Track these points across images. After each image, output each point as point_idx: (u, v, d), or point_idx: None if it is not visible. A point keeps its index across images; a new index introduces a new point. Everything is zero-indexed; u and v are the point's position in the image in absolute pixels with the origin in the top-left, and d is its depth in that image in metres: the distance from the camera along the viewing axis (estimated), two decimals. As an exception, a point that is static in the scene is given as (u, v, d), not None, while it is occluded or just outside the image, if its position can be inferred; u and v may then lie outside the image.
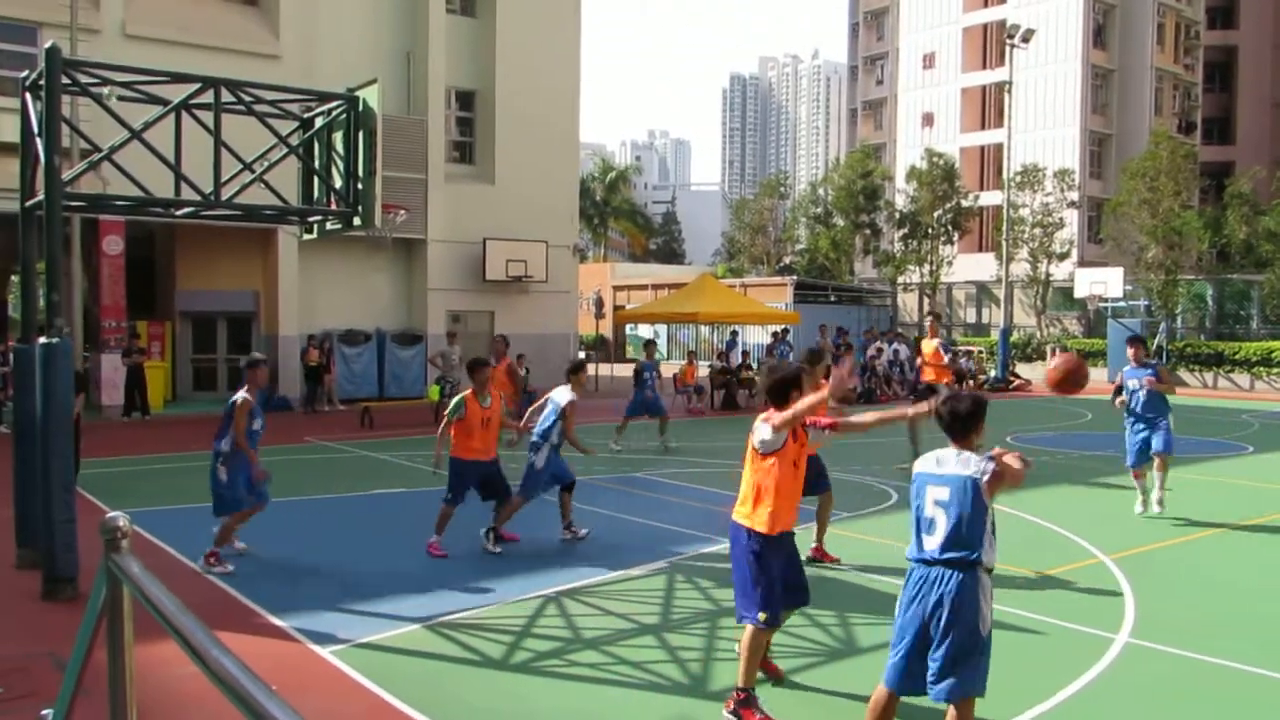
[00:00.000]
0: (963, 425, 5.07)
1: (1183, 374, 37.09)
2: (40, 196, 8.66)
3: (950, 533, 4.74)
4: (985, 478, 4.78)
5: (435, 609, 7.87)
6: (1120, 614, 7.75)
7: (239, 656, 2.39)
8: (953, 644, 4.68)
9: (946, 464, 4.91)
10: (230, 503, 9.18)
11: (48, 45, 8.64)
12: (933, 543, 4.78)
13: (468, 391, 9.98)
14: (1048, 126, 52.03)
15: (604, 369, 35.48)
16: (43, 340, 8.43)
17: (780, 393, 6.06)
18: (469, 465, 9.83)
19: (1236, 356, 36.35)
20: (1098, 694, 6.15)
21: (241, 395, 9.39)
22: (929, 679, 4.75)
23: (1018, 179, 43.54)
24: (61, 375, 8.37)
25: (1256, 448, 18.98)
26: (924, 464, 4.99)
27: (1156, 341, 37.33)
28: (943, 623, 4.69)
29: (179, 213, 11.02)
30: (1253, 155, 55.40)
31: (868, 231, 51.88)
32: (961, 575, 4.71)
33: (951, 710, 4.76)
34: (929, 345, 16.10)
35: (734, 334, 32.27)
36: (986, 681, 4.82)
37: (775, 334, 30.87)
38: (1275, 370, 35.41)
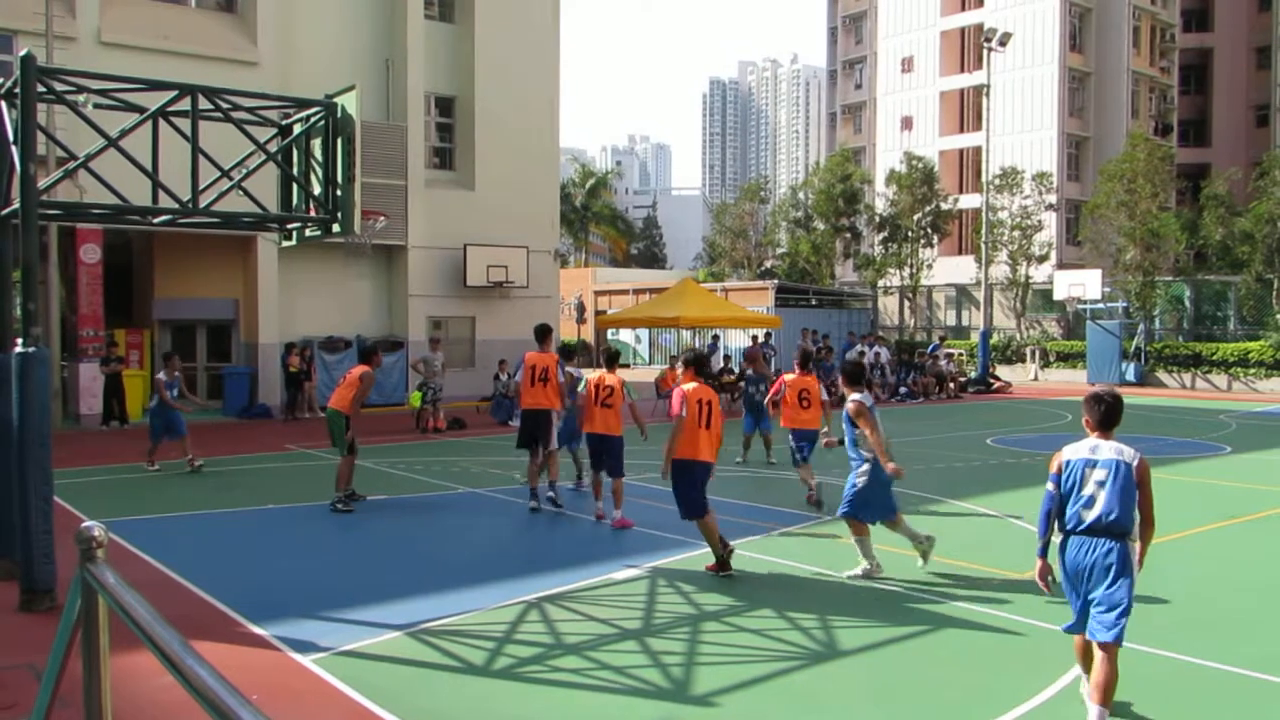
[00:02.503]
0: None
1: (1161, 375, 37.36)
2: (16, 205, 8.60)
3: (1110, 507, 5.55)
4: (1135, 462, 5.64)
5: (417, 616, 7.85)
6: (1100, 614, 7.79)
7: (215, 666, 2.38)
8: (1121, 598, 5.51)
9: (1101, 451, 5.70)
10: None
11: (22, 53, 8.58)
12: (1091, 514, 5.60)
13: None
14: (1025, 129, 52.30)
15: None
16: (19, 349, 8.37)
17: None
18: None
19: (1214, 357, 36.64)
20: (1079, 694, 6.18)
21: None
22: (1101, 626, 5.53)
23: (996, 182, 43.77)
24: (38, 384, 8.31)
25: (1234, 448, 19.11)
26: (1078, 451, 5.77)
27: (1135, 343, 37.60)
28: (1110, 580, 5.52)
29: (156, 221, 10.99)
30: (1228, 157, 55.81)
31: (848, 235, 52.00)
32: (1123, 545, 5.57)
33: (1104, 654, 5.52)
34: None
35: (715, 338, 32.33)
36: None
37: (755, 338, 30.93)
38: (1252, 371, 35.71)
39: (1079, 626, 5.77)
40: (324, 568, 9.78)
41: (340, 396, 12.78)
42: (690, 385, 9.29)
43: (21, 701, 5.94)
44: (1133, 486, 5.58)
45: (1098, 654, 5.58)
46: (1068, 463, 5.77)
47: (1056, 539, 5.85)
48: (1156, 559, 9.26)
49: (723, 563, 9.13)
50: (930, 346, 35.75)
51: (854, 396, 9.08)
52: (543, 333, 12.69)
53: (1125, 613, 5.50)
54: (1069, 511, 5.70)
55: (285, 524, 11.99)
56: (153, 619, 2.71)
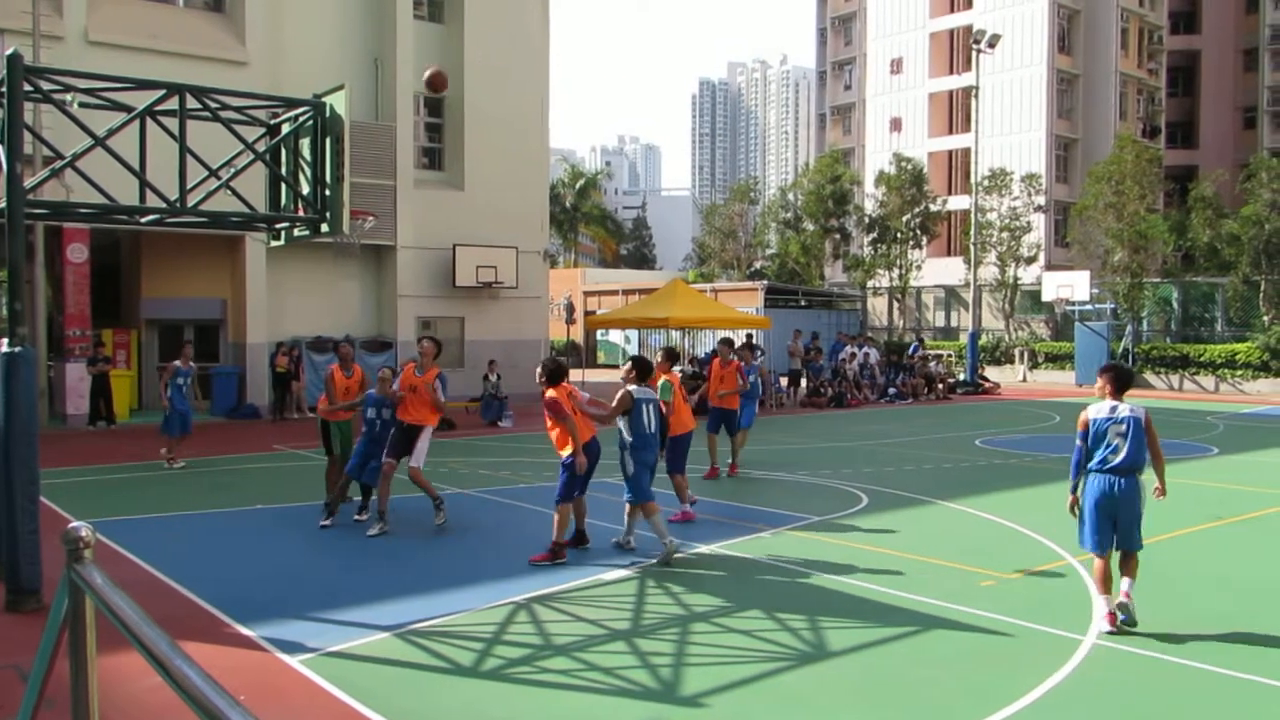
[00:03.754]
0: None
1: (1148, 376, 37.50)
2: (2, 204, 8.56)
3: (1130, 452, 7.48)
4: (1144, 416, 7.55)
5: (405, 617, 7.83)
6: (1088, 615, 7.81)
7: (203, 667, 2.38)
8: (1135, 519, 7.57)
9: (1119, 410, 7.56)
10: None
11: (9, 52, 8.53)
12: (1117, 458, 7.48)
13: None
14: (1014, 131, 52.47)
15: (575, 375, 35.42)
16: (5, 349, 8.32)
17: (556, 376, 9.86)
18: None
19: (1201, 359, 36.79)
20: (1066, 695, 6.20)
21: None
22: (1121, 540, 7.58)
23: (985, 183, 43.86)
24: (25, 384, 8.26)
25: (1221, 449, 19.19)
26: (1100, 411, 7.64)
27: (1123, 344, 37.73)
28: (1129, 507, 7.51)
29: (144, 220, 10.94)
30: (1215, 159, 56.09)
31: (837, 236, 52.06)
32: (1135, 479, 7.53)
33: (1132, 557, 7.62)
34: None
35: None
36: None
37: (747, 337, 30.92)
38: (1239, 372, 35.86)
39: (1103, 548, 7.59)
40: (311, 568, 9.75)
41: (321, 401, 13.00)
42: (550, 393, 9.84)
43: (7, 703, 5.91)
44: (1144, 434, 7.49)
45: (1125, 557, 7.62)
46: (1093, 420, 7.64)
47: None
48: (1145, 560, 9.27)
49: (555, 552, 9.67)
50: (911, 348, 35.80)
51: (630, 386, 10.04)
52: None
53: (1139, 525, 7.56)
54: (1098, 456, 7.55)
55: (273, 525, 11.95)
56: (140, 619, 2.70)
